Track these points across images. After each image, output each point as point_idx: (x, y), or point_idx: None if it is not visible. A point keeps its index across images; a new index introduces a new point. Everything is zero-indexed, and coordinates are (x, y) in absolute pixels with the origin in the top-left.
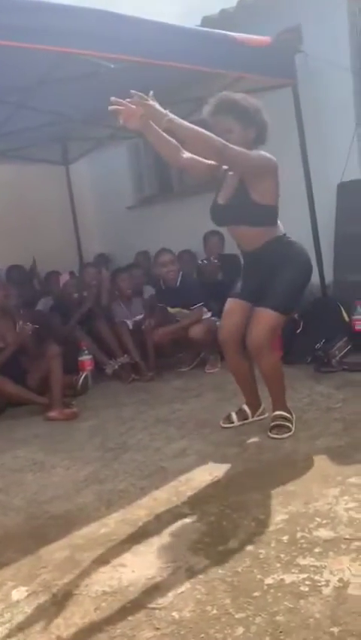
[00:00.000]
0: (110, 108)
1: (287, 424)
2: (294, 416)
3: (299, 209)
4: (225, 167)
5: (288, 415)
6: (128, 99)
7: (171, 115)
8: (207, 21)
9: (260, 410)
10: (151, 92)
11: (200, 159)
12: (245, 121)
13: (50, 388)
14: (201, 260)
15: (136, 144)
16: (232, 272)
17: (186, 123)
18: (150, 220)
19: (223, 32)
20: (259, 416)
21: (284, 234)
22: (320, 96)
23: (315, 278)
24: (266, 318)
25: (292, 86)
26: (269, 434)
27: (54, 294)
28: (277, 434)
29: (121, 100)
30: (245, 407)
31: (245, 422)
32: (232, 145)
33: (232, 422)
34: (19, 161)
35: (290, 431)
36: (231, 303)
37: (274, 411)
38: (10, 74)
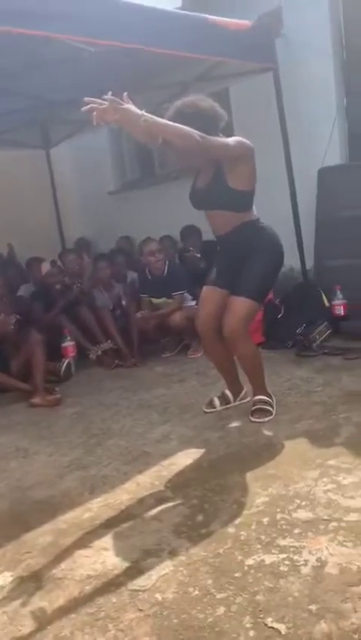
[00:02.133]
0: (83, 109)
1: (268, 407)
2: (275, 399)
3: (280, 194)
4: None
5: (268, 399)
6: (103, 99)
7: (147, 115)
8: (187, 2)
9: (242, 394)
10: (125, 94)
11: None
12: (208, 130)
13: (32, 374)
14: (186, 250)
15: (118, 129)
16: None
17: (161, 120)
18: (131, 205)
19: (202, 15)
20: (241, 400)
21: (258, 219)
22: (301, 81)
23: (296, 263)
24: (241, 306)
25: (273, 71)
26: (250, 418)
27: (35, 281)
28: (258, 418)
29: (94, 99)
30: (227, 392)
31: (228, 406)
32: (208, 136)
33: (215, 407)
34: None
35: (271, 415)
36: (206, 291)
37: (254, 396)
38: None
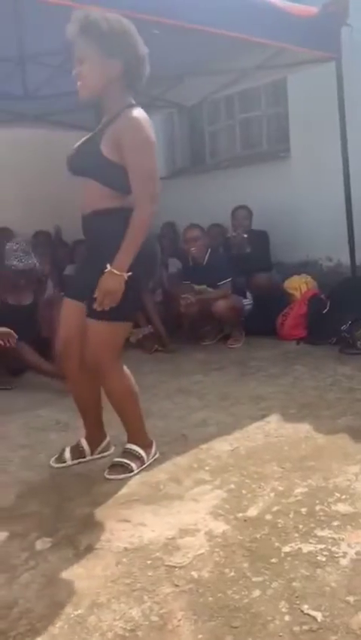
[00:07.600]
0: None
1: (128, 463)
2: (152, 452)
3: (335, 186)
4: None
5: (139, 450)
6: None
7: (109, 267)
8: None
9: (104, 445)
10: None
11: None
12: (105, 48)
13: None
14: (231, 234)
15: (171, 115)
16: (260, 246)
17: (125, 250)
18: (180, 192)
19: None
20: (101, 452)
21: (128, 209)
22: None
23: (345, 257)
24: (95, 331)
25: (336, 61)
26: (105, 474)
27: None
28: (110, 474)
29: None
30: (83, 442)
31: (81, 460)
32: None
33: (64, 462)
34: (48, 126)
35: (130, 472)
36: (66, 305)
37: (126, 442)
38: (53, 35)
